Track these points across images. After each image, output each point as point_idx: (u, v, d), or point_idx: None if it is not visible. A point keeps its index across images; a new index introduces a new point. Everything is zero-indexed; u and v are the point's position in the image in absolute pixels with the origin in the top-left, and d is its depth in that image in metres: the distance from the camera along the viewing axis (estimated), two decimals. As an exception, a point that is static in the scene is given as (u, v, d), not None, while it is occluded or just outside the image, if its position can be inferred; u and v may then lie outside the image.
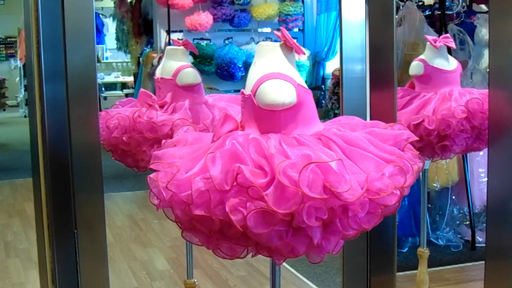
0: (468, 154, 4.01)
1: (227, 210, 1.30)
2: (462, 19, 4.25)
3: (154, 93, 2.44)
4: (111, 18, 9.51)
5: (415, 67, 2.66)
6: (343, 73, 2.03)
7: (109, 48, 12.03)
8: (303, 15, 7.15)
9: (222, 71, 6.64)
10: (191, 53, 3.22)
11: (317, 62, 7.27)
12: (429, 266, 2.95)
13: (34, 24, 1.91)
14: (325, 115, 5.89)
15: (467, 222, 4.20)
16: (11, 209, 5.46)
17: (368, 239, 2.05)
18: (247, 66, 6.60)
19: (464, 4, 4.30)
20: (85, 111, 1.88)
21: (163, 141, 1.66)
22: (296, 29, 7.16)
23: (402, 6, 4.05)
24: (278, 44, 1.53)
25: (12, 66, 14.12)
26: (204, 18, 6.50)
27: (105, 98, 10.52)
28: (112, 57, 12.54)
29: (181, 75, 2.33)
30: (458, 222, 4.26)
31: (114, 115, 2.31)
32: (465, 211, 4.22)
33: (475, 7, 4.52)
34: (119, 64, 12.60)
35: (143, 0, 7.31)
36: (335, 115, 5.75)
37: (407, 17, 4.02)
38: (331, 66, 7.21)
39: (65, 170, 1.89)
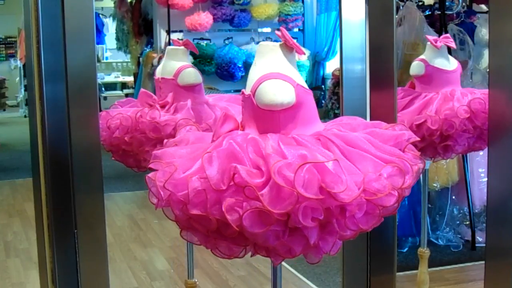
0: (468, 154, 4.01)
1: (223, 209, 1.30)
2: (462, 19, 4.25)
3: (154, 93, 2.44)
4: (111, 18, 9.51)
5: (416, 67, 2.66)
6: (343, 73, 2.03)
7: (109, 48, 12.03)
8: (303, 15, 7.15)
9: (222, 71, 6.64)
10: (191, 53, 3.22)
11: (317, 62, 7.27)
12: (429, 266, 2.95)
13: (34, 24, 1.91)
14: (325, 115, 5.89)
15: (467, 222, 4.20)
16: (11, 209, 5.47)
17: (368, 239, 2.05)
18: (247, 66, 6.60)
19: (464, 4, 4.30)
20: (85, 111, 1.88)
21: (165, 140, 1.66)
22: (296, 29, 7.16)
23: (402, 6, 4.05)
24: (278, 44, 1.53)
25: (12, 66, 14.13)
26: (204, 18, 6.50)
27: (105, 98, 10.53)
28: (112, 57, 12.54)
29: (183, 75, 2.33)
30: (458, 222, 4.26)
31: (115, 115, 2.31)
32: (465, 211, 4.22)
33: (475, 7, 4.52)
34: (119, 64, 12.60)
35: (143, 0, 7.31)
36: (335, 115, 5.75)
37: (407, 17, 4.02)
38: (331, 66, 7.22)
39: (65, 170, 1.89)
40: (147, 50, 7.20)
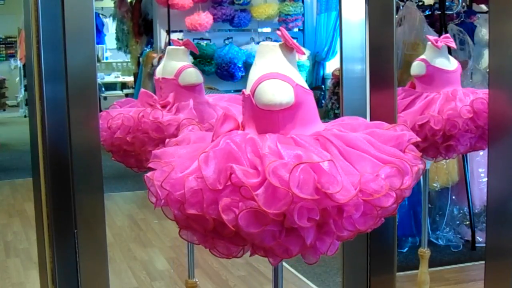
0: (468, 154, 4.01)
1: (219, 209, 1.30)
2: (462, 19, 4.25)
3: (154, 93, 2.44)
4: (111, 18, 9.52)
5: (416, 67, 2.66)
6: (343, 73, 2.02)
7: (109, 48, 12.03)
8: (303, 15, 7.15)
9: (222, 71, 6.64)
10: (191, 53, 3.22)
11: (317, 62, 7.27)
12: (429, 266, 2.95)
13: (34, 24, 1.91)
14: (325, 115, 5.90)
15: (467, 222, 4.20)
16: (11, 209, 5.47)
17: (368, 239, 2.05)
18: (247, 66, 6.60)
19: (464, 4, 4.30)
20: (85, 111, 1.88)
21: (167, 140, 1.66)
22: (296, 29, 7.16)
23: (402, 6, 4.05)
24: (278, 44, 1.52)
25: (12, 66, 14.13)
26: (204, 18, 6.50)
27: (105, 98, 10.53)
28: (112, 57, 12.54)
29: (184, 75, 2.33)
30: (458, 222, 4.26)
31: (117, 115, 2.31)
32: (465, 211, 4.22)
33: (475, 7, 4.52)
34: (119, 64, 12.60)
35: (143, 0, 7.31)
36: (335, 115, 5.76)
37: (407, 17, 4.02)
38: (331, 66, 7.22)
39: (65, 170, 1.89)
40: (147, 50, 7.20)
